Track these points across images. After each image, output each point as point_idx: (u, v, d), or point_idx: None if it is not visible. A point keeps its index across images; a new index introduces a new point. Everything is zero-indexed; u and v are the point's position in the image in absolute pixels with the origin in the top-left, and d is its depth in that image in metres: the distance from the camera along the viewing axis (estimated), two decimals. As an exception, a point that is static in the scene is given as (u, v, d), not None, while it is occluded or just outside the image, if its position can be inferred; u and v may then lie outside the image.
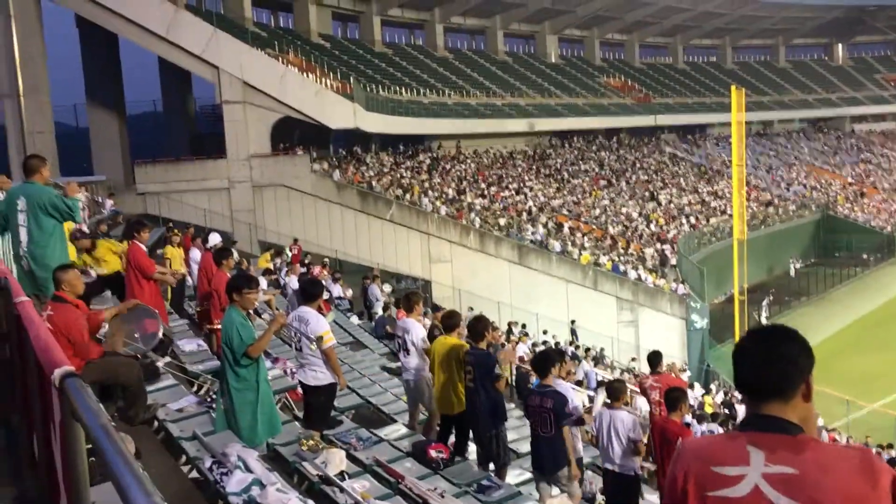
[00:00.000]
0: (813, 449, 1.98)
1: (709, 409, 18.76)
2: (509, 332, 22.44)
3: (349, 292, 20.80)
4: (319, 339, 7.09)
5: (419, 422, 9.02)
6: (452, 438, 8.21)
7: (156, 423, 6.68)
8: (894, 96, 66.36)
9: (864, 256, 45.30)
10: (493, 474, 7.41)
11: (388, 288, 23.02)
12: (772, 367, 2.06)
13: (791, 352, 2.07)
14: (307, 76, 31.75)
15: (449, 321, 8.05)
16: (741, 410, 19.16)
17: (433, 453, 7.51)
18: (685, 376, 22.93)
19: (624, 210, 39.25)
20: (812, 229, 47.58)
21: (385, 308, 18.55)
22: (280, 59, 31.64)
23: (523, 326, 24.13)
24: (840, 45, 69.99)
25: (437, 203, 31.67)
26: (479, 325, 7.80)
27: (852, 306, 36.87)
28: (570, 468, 7.13)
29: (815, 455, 1.96)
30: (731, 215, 35.47)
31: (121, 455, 1.68)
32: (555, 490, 6.96)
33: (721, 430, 13.11)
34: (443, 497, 6.12)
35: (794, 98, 62.75)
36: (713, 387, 25.03)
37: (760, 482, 1.95)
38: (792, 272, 43.12)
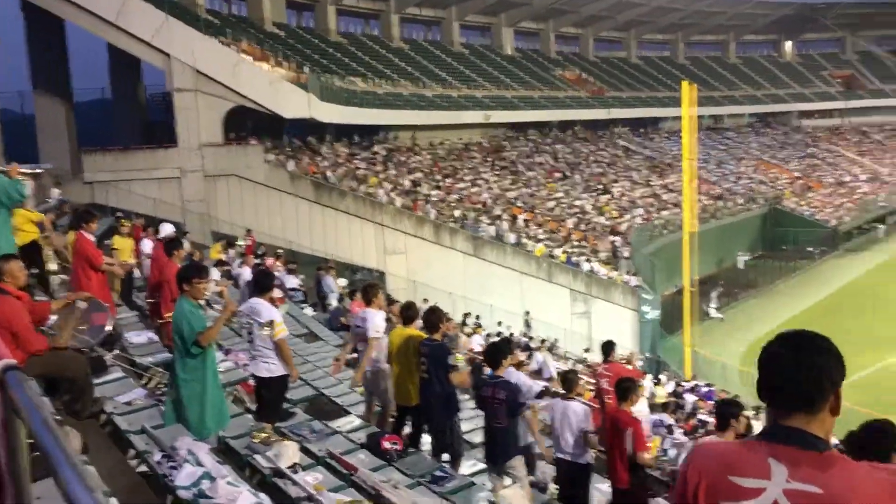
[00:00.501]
0: (840, 467, 1.87)
1: (659, 400, 19.08)
2: (464, 323, 22.53)
3: (297, 280, 20.63)
4: (270, 324, 7.04)
5: (375, 413, 9.01)
6: (407, 429, 8.22)
7: (103, 417, 6.56)
8: (840, 93, 68.09)
9: (810, 249, 46.44)
10: (446, 465, 7.44)
11: (343, 281, 22.91)
12: (804, 376, 1.94)
13: (825, 362, 1.96)
14: (261, 65, 31.35)
15: (407, 312, 8.07)
16: (689, 400, 19.56)
17: (387, 445, 7.51)
18: (639, 366, 23.32)
19: (578, 202, 39.61)
20: (759, 223, 48.60)
21: (340, 299, 18.47)
22: (233, 46, 31.16)
23: (477, 318, 24.24)
24: (789, 42, 71.49)
25: (393, 194, 31.58)
26: (434, 317, 7.82)
27: (798, 298, 37.78)
28: (537, 450, 7.21)
29: (842, 474, 1.85)
30: (682, 208, 36.05)
31: (62, 450, 1.65)
32: (507, 480, 7.01)
33: (670, 420, 13.33)
34: (396, 488, 6.12)
35: (744, 93, 63.99)
36: (663, 377, 25.43)
37: (781, 498, 1.85)
38: (740, 265, 44.02)
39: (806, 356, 1.97)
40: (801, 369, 1.95)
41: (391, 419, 8.56)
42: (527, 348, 20.89)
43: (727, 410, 6.65)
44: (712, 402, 19.80)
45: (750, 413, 14.83)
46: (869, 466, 1.93)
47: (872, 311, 33.79)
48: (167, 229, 12.28)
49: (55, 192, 23.24)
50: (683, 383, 23.90)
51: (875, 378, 26.05)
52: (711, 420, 15.69)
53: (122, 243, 12.99)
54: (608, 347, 10.63)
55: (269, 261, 19.99)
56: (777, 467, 1.89)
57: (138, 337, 9.65)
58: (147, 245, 13.45)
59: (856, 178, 58.17)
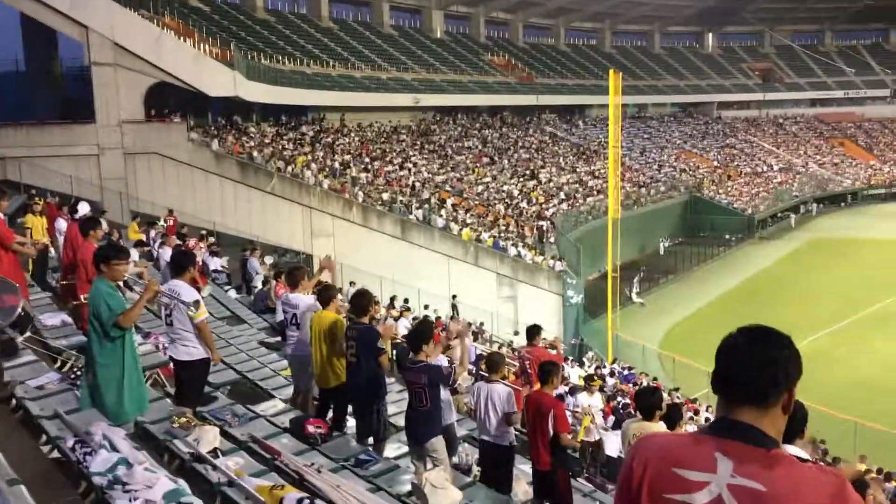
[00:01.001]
0: (786, 466, 1.86)
1: (581, 382, 19.44)
2: (391, 305, 22.48)
3: (221, 262, 20.25)
4: (196, 304, 6.88)
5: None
6: (331, 413, 8.18)
7: (14, 402, 6.32)
8: (758, 85, 70.38)
9: (727, 236, 48.03)
10: (371, 449, 7.44)
11: (269, 260, 22.58)
12: (759, 370, 1.92)
13: (782, 357, 1.94)
14: (184, 41, 30.47)
15: (324, 294, 7.94)
16: (610, 382, 20.02)
17: (311, 429, 7.46)
18: (562, 350, 23.70)
19: (505, 187, 39.93)
20: (680, 210, 49.98)
21: (265, 282, 18.20)
22: (155, 20, 30.20)
23: (405, 301, 24.22)
24: (711, 34, 73.43)
25: (320, 176, 31.23)
26: (363, 300, 7.78)
27: (715, 284, 39.04)
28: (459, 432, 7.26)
29: (788, 473, 1.84)
30: (606, 195, 36.73)
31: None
32: (430, 464, 7.05)
33: (589, 398, 13.61)
34: (319, 472, 6.09)
35: (668, 83, 65.47)
36: (586, 360, 25.97)
37: (724, 493, 1.84)
38: (661, 250, 45.20)
39: (763, 349, 1.94)
40: (756, 362, 1.93)
41: (314, 402, 8.51)
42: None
43: (650, 401, 6.82)
44: (632, 385, 20.34)
45: (666, 397, 15.30)
46: (815, 468, 1.94)
47: (784, 297, 35.19)
48: (84, 209, 11.83)
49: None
50: (605, 366, 24.44)
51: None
52: (631, 402, 16.11)
53: (34, 222, 12.51)
54: (532, 331, 10.77)
55: (192, 242, 19.54)
56: (723, 462, 1.87)
57: (52, 319, 9.29)
58: (62, 224, 12.98)
59: (771, 167, 60.32)
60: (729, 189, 53.83)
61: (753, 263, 43.63)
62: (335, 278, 25.41)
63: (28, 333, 8.06)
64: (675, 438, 2.11)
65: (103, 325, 5.92)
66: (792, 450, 4.05)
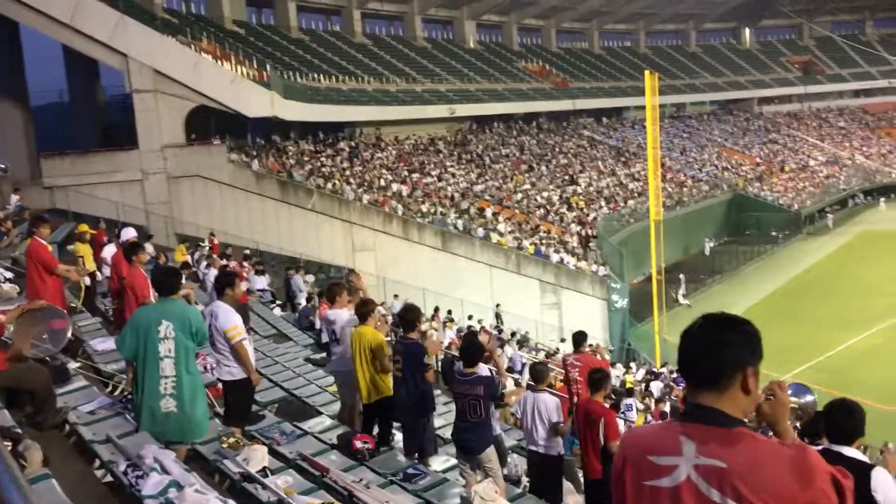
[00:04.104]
0: (746, 443, 1.92)
1: (629, 387, 19.21)
2: (434, 317, 22.48)
3: (265, 281, 20.47)
4: (232, 329, 6.97)
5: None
6: (376, 428, 8.17)
7: (67, 427, 6.43)
8: (799, 78, 69.07)
9: (773, 234, 47.10)
10: (418, 462, 7.41)
11: (310, 278, 22.78)
12: (707, 354, 2.01)
13: (731, 340, 2.02)
14: (222, 64, 30.96)
15: (361, 310, 7.89)
16: (655, 388, 19.75)
17: (359, 444, 7.46)
18: (608, 356, 23.44)
19: (545, 194, 39.74)
20: (724, 209, 49.13)
21: (309, 299, 18.37)
22: (192, 46, 30.71)
23: (449, 312, 24.21)
24: (747, 30, 72.32)
25: (360, 191, 31.43)
26: (410, 315, 7.77)
27: (763, 282, 38.29)
28: (507, 442, 7.20)
29: (746, 449, 1.91)
30: (647, 197, 36.30)
31: (8, 474, 1.59)
32: (479, 475, 7.00)
33: (639, 405, 13.43)
34: (368, 488, 6.09)
35: (705, 81, 64.63)
36: (633, 365, 25.65)
37: (692, 473, 1.93)
38: (706, 251, 44.50)
39: (711, 334, 2.04)
40: (702, 346, 2.03)
41: (360, 417, 8.51)
42: (497, 341, 20.90)
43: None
44: (682, 388, 20.01)
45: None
46: (776, 443, 2.01)
47: (835, 293, 34.38)
48: (128, 233, 12.04)
49: (14, 199, 22.77)
50: (653, 370, 24.11)
51: (839, 359, 26.58)
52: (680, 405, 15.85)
53: (84, 250, 12.79)
54: (579, 338, 10.63)
55: (233, 264, 19.80)
56: (687, 444, 1.97)
57: (102, 344, 9.45)
58: (109, 250, 13.23)
59: (816, 161, 59.10)
60: (773, 185, 52.85)
61: (802, 260, 42.72)
62: (370, 291, 25.51)
63: (79, 360, 8.22)
64: (648, 428, 2.23)
65: (202, 340, 6.13)
66: (848, 451, 3.93)
